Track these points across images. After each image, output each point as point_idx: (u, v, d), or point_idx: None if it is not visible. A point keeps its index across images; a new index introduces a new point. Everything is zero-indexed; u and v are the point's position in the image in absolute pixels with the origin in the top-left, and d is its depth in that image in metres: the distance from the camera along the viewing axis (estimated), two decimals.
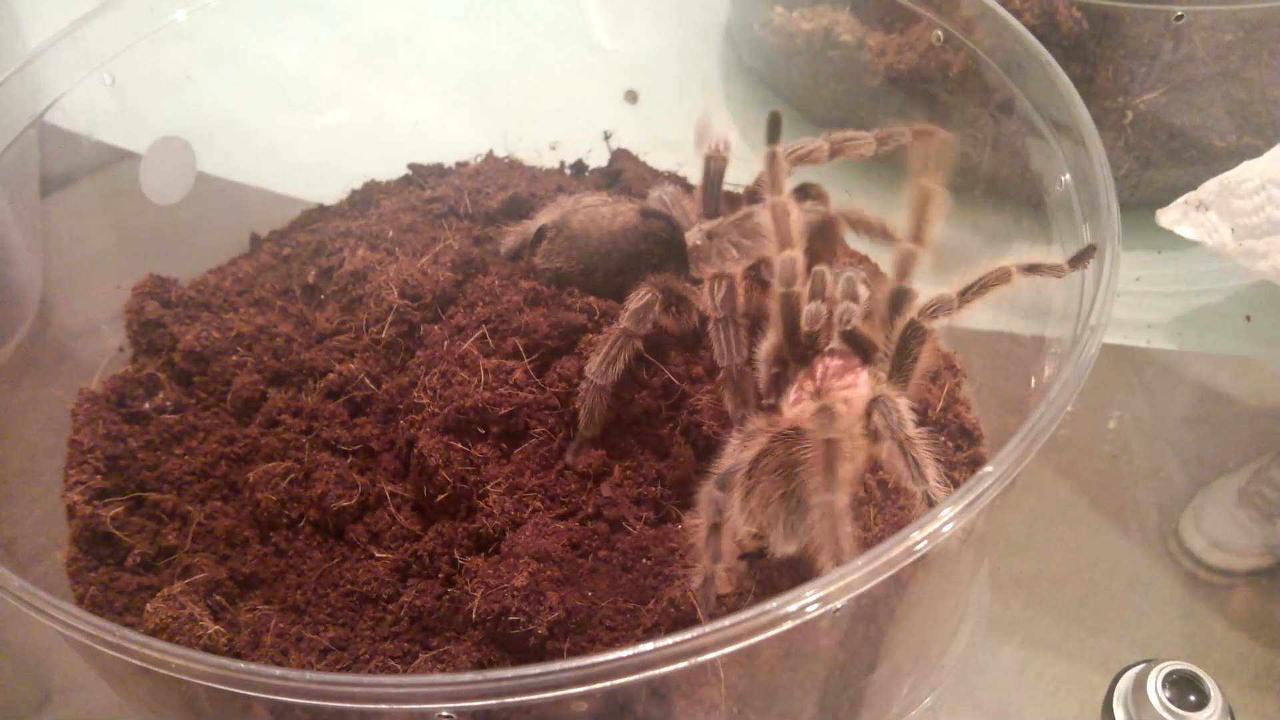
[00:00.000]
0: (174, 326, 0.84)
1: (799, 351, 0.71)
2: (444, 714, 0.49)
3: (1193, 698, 0.63)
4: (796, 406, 0.69)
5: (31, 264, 0.89)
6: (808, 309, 0.70)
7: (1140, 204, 0.96)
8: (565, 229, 0.80)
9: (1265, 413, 0.92)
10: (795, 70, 1.12)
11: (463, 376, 0.73)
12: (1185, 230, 0.90)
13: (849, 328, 0.71)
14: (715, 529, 0.62)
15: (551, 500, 0.70)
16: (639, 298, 0.71)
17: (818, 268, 0.72)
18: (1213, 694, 0.63)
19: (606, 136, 1.05)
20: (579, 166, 1.04)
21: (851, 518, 0.61)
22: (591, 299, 0.77)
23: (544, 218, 0.83)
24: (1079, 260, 0.66)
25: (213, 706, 0.58)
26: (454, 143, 1.04)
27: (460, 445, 0.70)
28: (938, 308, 0.67)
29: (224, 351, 0.81)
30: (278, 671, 0.47)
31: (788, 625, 0.49)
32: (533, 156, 1.05)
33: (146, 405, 0.81)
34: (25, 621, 0.55)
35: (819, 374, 0.70)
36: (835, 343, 0.71)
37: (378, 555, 0.70)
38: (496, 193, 0.93)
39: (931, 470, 0.61)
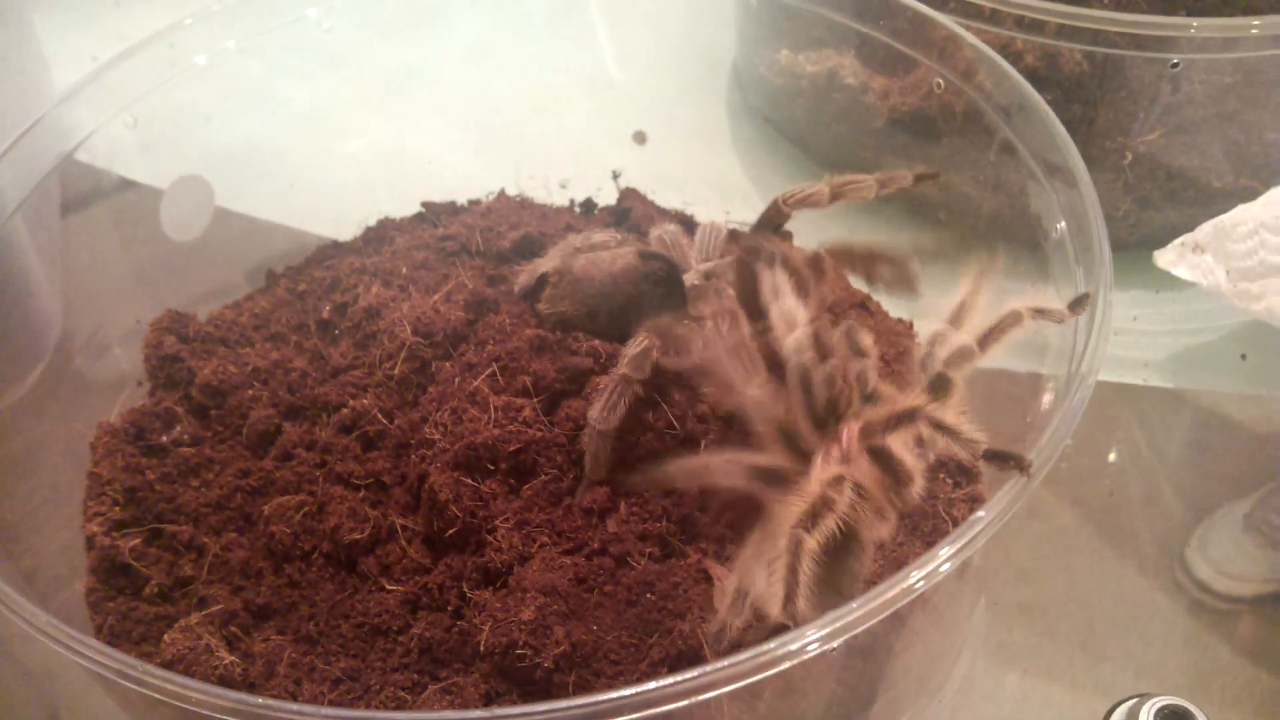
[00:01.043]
0: (191, 361, 0.85)
1: (820, 419, 0.69)
2: None
3: None
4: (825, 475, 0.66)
5: (52, 298, 0.91)
6: (821, 372, 0.69)
7: (1139, 244, 0.97)
8: (568, 274, 0.80)
9: (1266, 442, 0.92)
10: (800, 111, 1.14)
11: (473, 413, 0.73)
12: (1181, 271, 0.91)
13: (870, 390, 0.69)
14: (743, 594, 0.61)
15: (558, 535, 0.70)
16: (636, 344, 0.71)
17: (814, 326, 0.70)
18: None
19: (615, 176, 1.07)
20: (588, 205, 1.05)
21: (814, 560, 0.59)
22: (596, 343, 0.77)
23: (547, 263, 0.83)
24: (1074, 307, 0.68)
25: None
26: (466, 180, 1.05)
27: (470, 481, 0.71)
28: (961, 357, 0.67)
29: (240, 386, 0.82)
30: (294, 706, 0.49)
31: (788, 665, 0.50)
32: (543, 194, 1.06)
33: (164, 438, 0.82)
34: (32, 639, 0.55)
35: (845, 439, 0.67)
36: (856, 406, 0.69)
37: (388, 587, 0.71)
38: (508, 231, 0.94)
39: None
